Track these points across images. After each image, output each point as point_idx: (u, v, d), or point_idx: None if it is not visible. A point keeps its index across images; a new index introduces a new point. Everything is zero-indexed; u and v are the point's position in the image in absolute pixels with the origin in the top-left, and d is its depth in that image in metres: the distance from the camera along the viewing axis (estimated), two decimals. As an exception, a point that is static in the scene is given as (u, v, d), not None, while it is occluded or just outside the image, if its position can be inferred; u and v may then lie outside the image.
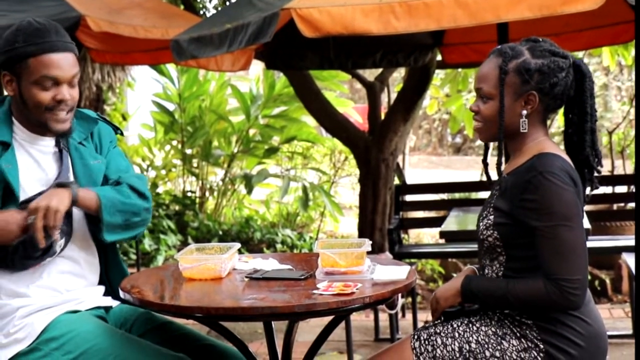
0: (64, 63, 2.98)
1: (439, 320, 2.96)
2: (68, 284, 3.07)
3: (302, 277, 2.96)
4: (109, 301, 3.17)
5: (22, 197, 2.97)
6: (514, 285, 2.75)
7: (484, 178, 3.09)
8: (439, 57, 7.38)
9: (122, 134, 3.37)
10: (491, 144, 3.06)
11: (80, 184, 3.06)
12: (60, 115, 3.00)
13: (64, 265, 3.07)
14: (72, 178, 3.10)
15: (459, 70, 8.61)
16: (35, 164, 3.06)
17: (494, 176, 2.97)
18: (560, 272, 2.67)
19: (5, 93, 3.07)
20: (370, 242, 3.09)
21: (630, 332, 5.66)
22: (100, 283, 3.21)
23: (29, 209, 2.89)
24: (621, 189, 7.57)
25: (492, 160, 2.99)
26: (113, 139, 3.31)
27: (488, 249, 2.88)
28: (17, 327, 2.95)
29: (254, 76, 11.26)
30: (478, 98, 2.90)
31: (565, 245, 2.67)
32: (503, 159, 2.91)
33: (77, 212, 3.06)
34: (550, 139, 2.89)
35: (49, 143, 3.10)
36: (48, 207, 2.87)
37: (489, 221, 2.84)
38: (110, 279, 3.20)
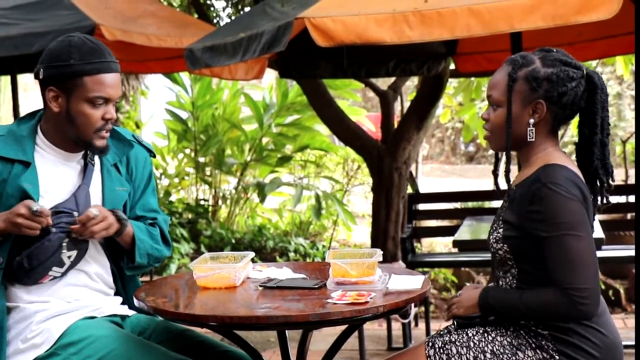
0: (115, 83, 3.03)
1: (452, 326, 2.96)
2: (83, 296, 3.10)
3: (316, 286, 2.96)
4: (125, 310, 3.19)
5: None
6: (527, 295, 2.73)
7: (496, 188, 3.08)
8: (452, 66, 7.38)
9: (154, 156, 3.41)
10: (503, 155, 3.05)
11: (106, 207, 3.10)
12: (105, 134, 3.06)
13: (79, 278, 3.10)
14: (95, 194, 3.13)
15: (472, 79, 8.61)
16: (56, 179, 3.07)
17: (504, 186, 2.97)
18: (569, 281, 2.64)
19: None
20: (382, 252, 3.08)
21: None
22: (116, 295, 3.23)
23: (97, 207, 2.99)
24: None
25: (503, 170, 2.99)
26: (148, 165, 3.33)
27: (500, 262, 2.87)
28: (35, 333, 2.97)
29: (267, 85, 11.28)
30: (489, 106, 2.91)
31: (573, 254, 2.65)
32: (511, 167, 2.91)
33: None
34: (560, 149, 2.88)
35: (75, 157, 3.13)
36: (106, 222, 2.99)
37: (499, 234, 2.84)
38: (126, 291, 3.22)
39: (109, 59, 3.02)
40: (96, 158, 3.17)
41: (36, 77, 3.04)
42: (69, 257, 3.03)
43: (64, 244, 3.00)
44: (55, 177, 3.07)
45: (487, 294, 2.83)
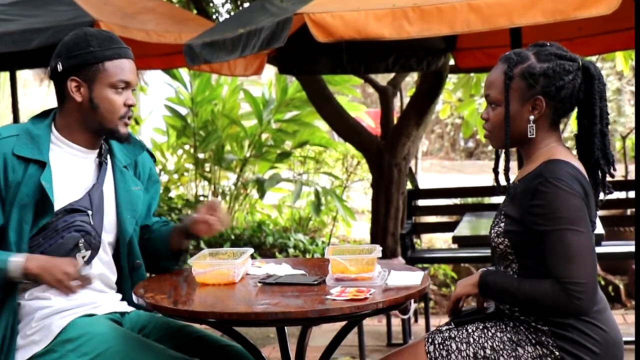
0: (133, 69, 3.10)
1: (452, 325, 2.95)
2: (83, 294, 3.09)
3: (315, 282, 2.96)
4: (125, 306, 3.19)
5: (56, 207, 2.99)
6: (525, 284, 2.75)
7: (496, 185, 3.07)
8: (451, 62, 7.37)
9: (155, 160, 3.42)
10: (503, 153, 3.05)
11: (121, 208, 3.13)
12: (128, 121, 3.09)
13: None
14: (108, 195, 3.13)
15: (472, 74, 8.59)
16: (71, 178, 3.07)
17: (505, 183, 2.96)
18: (567, 275, 2.65)
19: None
20: (381, 248, 3.08)
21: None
22: (117, 292, 3.24)
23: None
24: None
25: (503, 167, 2.99)
26: (152, 168, 3.37)
27: (500, 257, 2.87)
28: (35, 329, 2.98)
29: (267, 81, 11.26)
30: (487, 105, 2.90)
31: (572, 249, 2.66)
32: (510, 165, 2.90)
33: (106, 234, 3.12)
34: (563, 144, 2.87)
35: (91, 155, 3.13)
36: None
37: (500, 228, 2.84)
38: (128, 288, 3.22)
39: (125, 45, 3.10)
40: (108, 158, 3.17)
41: (53, 72, 3.05)
42: (84, 257, 3.04)
43: (80, 244, 3.01)
44: (69, 175, 3.07)
45: (487, 274, 2.86)
